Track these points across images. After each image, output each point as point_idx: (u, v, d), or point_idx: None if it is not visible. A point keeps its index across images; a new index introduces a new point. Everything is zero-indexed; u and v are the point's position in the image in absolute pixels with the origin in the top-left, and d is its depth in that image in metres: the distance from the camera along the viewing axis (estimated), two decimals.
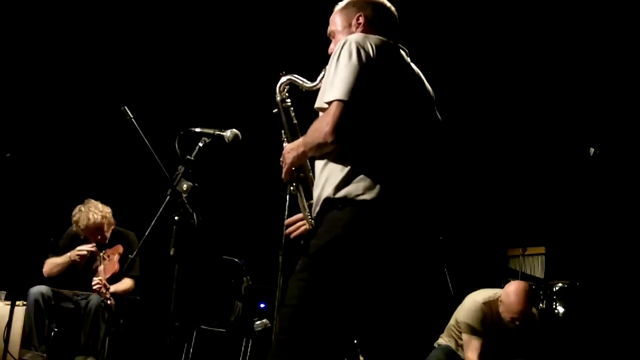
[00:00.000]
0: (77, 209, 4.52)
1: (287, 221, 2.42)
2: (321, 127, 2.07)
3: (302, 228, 2.33)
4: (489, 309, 3.93)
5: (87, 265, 4.48)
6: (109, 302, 4.19)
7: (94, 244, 4.47)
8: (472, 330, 3.89)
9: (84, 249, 4.42)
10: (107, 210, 4.58)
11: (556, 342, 4.78)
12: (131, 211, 5.03)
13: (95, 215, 4.46)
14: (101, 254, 4.46)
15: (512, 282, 3.99)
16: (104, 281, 4.26)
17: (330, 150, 2.10)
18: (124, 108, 2.98)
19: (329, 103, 2.07)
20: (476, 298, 4.00)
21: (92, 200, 4.56)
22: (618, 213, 5.75)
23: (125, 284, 4.48)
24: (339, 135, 2.04)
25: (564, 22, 5.58)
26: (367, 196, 2.05)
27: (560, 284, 5.12)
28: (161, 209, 2.69)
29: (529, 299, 3.88)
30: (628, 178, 5.67)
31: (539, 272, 6.04)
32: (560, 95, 5.99)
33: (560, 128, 6.01)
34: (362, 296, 2.07)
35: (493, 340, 3.91)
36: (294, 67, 2.40)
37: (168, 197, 2.71)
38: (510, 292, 3.85)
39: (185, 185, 2.73)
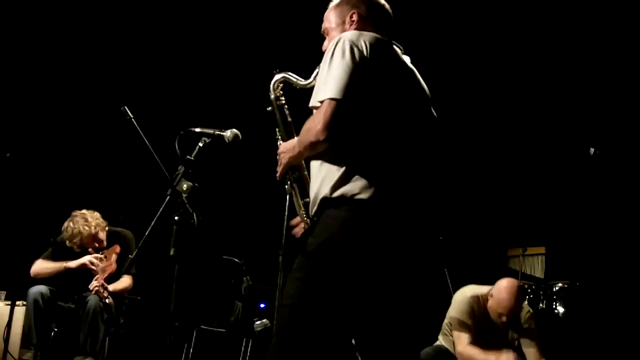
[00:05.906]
0: (66, 225, 4.45)
1: (292, 222, 2.42)
2: (313, 126, 2.07)
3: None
4: (477, 303, 3.92)
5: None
6: (107, 301, 4.18)
7: (97, 264, 4.40)
8: (461, 324, 3.87)
9: (88, 261, 4.37)
10: (96, 215, 4.51)
11: (556, 342, 4.78)
12: (131, 211, 5.03)
13: (87, 227, 4.41)
14: (99, 255, 4.45)
15: (504, 278, 3.97)
16: (101, 281, 4.26)
17: (324, 149, 2.09)
18: (124, 108, 2.98)
19: (322, 102, 2.06)
20: (465, 292, 4.00)
21: (78, 212, 4.48)
22: (618, 213, 5.74)
23: (124, 282, 4.47)
24: (330, 134, 2.04)
25: (564, 22, 5.58)
26: (364, 195, 2.04)
27: (560, 284, 5.12)
28: (161, 209, 2.69)
29: (520, 297, 3.87)
30: (628, 178, 5.66)
31: (539, 272, 6.04)
32: (560, 95, 5.99)
33: (560, 128, 6.01)
34: (359, 295, 2.07)
35: (480, 335, 3.90)
36: (289, 65, 2.40)
37: (168, 197, 2.71)
38: (502, 288, 3.84)
39: (185, 185, 2.72)
